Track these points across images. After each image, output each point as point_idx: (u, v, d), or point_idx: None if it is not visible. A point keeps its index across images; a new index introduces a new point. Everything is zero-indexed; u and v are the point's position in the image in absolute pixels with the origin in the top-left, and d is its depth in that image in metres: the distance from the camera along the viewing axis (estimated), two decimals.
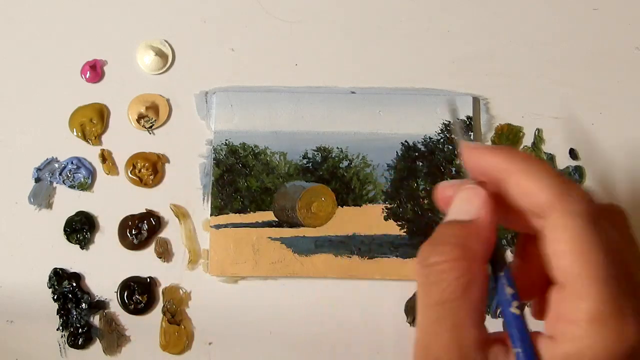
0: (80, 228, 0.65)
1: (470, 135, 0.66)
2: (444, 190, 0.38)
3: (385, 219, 0.65)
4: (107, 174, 0.66)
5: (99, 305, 0.64)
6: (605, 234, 0.32)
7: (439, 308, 0.33)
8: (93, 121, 0.66)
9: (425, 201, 0.65)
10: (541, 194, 0.33)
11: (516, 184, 0.34)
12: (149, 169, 0.65)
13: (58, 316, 0.64)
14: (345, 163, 0.66)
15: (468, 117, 0.66)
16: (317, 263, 0.64)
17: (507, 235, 0.65)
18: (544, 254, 0.33)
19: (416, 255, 0.35)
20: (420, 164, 0.66)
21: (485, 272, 0.34)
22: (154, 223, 0.65)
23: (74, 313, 0.63)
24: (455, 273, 0.33)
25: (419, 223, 0.65)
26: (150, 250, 0.65)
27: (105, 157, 0.66)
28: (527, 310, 0.36)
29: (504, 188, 0.35)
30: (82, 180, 0.66)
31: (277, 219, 0.65)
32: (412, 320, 0.64)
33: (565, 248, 0.31)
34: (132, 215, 0.65)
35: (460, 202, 0.36)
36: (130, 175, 0.66)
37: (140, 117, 0.66)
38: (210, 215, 0.65)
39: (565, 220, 0.32)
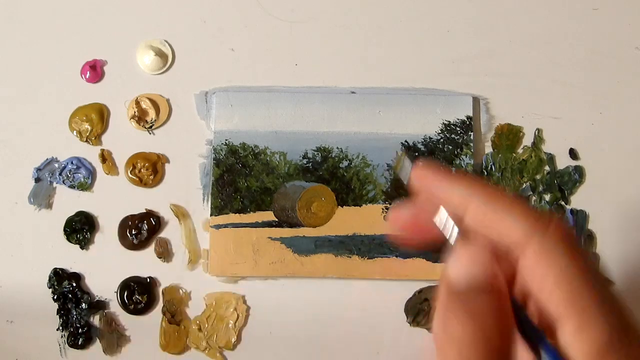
0: (80, 228, 0.65)
1: (471, 134, 0.66)
2: (400, 213, 0.36)
3: (385, 219, 0.65)
4: (107, 174, 0.66)
5: (99, 305, 0.64)
6: (585, 259, 0.31)
7: None
8: (93, 121, 0.66)
9: None
10: (514, 228, 0.31)
11: (480, 217, 0.32)
12: (149, 169, 0.65)
13: (58, 316, 0.64)
14: (345, 163, 0.66)
15: (468, 117, 0.66)
16: (317, 263, 0.64)
17: None
18: (523, 288, 0.32)
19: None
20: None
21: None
22: (153, 223, 0.65)
23: (74, 313, 0.63)
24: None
25: None
26: (150, 250, 0.65)
27: (105, 157, 0.66)
28: None
29: (459, 217, 0.33)
30: (82, 180, 0.66)
31: (277, 219, 0.65)
32: (412, 320, 0.64)
33: (554, 285, 0.30)
34: (132, 215, 0.65)
35: (466, 266, 0.33)
36: (130, 175, 0.66)
37: (140, 117, 0.66)
38: (210, 215, 0.65)
39: (549, 256, 0.31)
